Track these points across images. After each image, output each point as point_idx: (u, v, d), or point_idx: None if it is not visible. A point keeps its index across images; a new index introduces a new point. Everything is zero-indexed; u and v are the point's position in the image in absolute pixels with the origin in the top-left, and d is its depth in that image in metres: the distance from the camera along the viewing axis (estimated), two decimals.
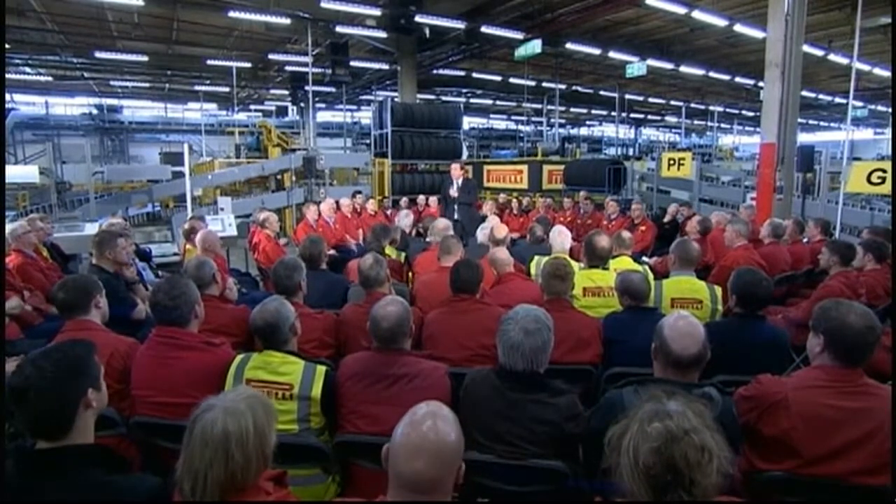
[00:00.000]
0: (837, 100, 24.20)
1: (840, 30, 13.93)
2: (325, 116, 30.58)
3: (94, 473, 1.40)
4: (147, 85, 24.72)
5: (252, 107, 29.94)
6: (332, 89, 21.52)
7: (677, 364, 1.85)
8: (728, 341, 2.28)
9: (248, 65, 19.51)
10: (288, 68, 19.66)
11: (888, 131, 31.60)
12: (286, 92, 23.51)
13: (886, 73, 19.00)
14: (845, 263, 3.80)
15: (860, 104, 22.81)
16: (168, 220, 11.04)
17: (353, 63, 16.66)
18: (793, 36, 7.96)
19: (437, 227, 4.35)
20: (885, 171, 6.78)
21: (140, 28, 15.23)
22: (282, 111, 27.94)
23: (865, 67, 17.13)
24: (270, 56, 17.87)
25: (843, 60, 15.90)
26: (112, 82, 23.74)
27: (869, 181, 6.86)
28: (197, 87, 23.73)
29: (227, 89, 22.27)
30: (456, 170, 7.56)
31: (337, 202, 7.88)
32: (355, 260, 4.19)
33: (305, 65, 14.09)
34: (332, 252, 5.41)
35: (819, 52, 15.28)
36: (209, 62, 18.48)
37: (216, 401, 1.32)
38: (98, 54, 16.84)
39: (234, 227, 6.55)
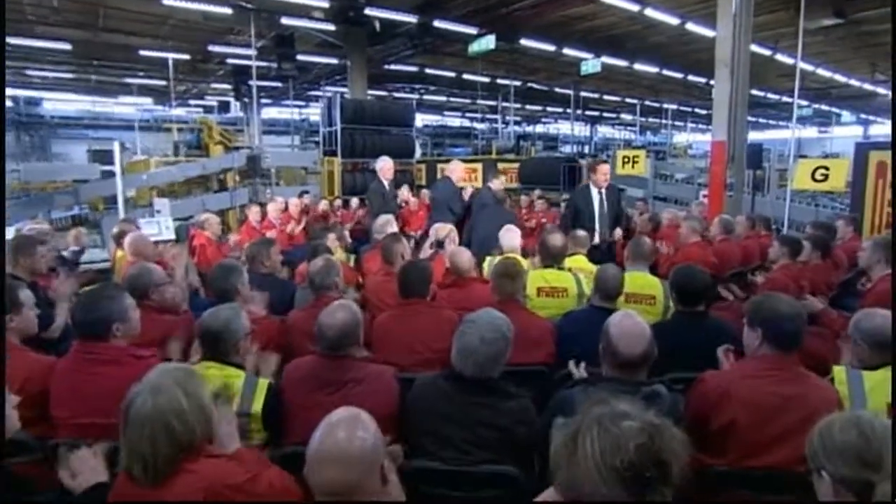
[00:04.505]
0: (785, 99, 25.53)
1: (787, 30, 14.69)
2: (270, 113, 29.96)
3: None
4: (71, 76, 23.46)
5: (191, 102, 28.95)
6: (279, 84, 21.11)
7: (625, 364, 1.91)
8: (674, 340, 2.37)
9: (187, 56, 18.81)
10: (230, 61, 19.11)
11: (831, 129, 33.57)
12: (229, 86, 22.88)
13: (829, 74, 20.21)
14: (793, 256, 4.04)
15: (805, 103, 24.16)
16: (97, 224, 10.54)
17: (300, 57, 16.36)
18: (740, 35, 8.34)
19: (378, 223, 4.37)
20: (827, 168, 7.18)
21: (59, 13, 14.45)
22: (224, 107, 27.16)
23: (809, 68, 18.13)
24: (210, 48, 17.32)
25: (790, 60, 16.80)
26: (29, 72, 22.43)
27: (813, 178, 7.25)
28: (129, 80, 22.74)
29: (163, 82, 21.43)
30: (603, 172, 5.29)
31: (286, 203, 7.77)
32: (305, 263, 4.15)
33: (249, 58, 13.76)
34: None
35: (767, 52, 16.08)
36: (142, 52, 17.72)
37: (141, 385, 1.46)
38: (11, 40, 15.85)
39: (171, 230, 6.32)
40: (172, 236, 6.18)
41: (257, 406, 2.07)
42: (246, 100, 21.95)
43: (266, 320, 2.90)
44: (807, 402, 1.87)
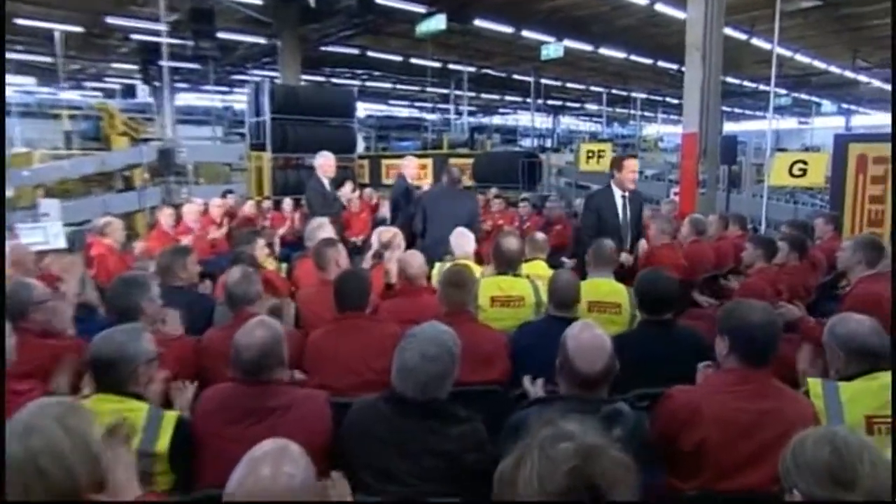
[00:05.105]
0: (762, 87, 26.76)
1: (763, 12, 15.40)
2: (187, 99, 29.23)
3: None
4: None
5: (87, 84, 27.92)
6: (197, 66, 20.63)
7: (584, 382, 1.96)
8: (638, 352, 2.45)
9: (79, 29, 18.09)
10: (135, 37, 18.54)
11: (811, 120, 35.42)
12: (135, 67, 22.18)
13: (808, 60, 21.35)
14: (769, 258, 4.24)
15: (784, 92, 25.42)
16: None
17: (221, 35, 16.07)
18: (713, 17, 8.68)
19: (309, 228, 4.40)
20: (806, 162, 7.56)
21: None
22: (129, 91, 26.28)
23: (787, 53, 19.10)
24: (109, 20, 16.71)
25: (767, 45, 17.65)
26: None
27: (791, 173, 7.61)
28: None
29: (49, 59, 20.55)
30: (632, 169, 4.93)
31: (206, 204, 7.60)
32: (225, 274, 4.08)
33: (158, 34, 13.38)
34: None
35: (742, 36, 16.85)
36: (19, 22, 16.88)
37: (10, 425, 1.37)
38: None
39: (61, 237, 6.08)
40: (63, 244, 5.95)
41: (163, 444, 2.00)
42: (156, 83, 21.32)
43: (178, 342, 2.83)
44: (782, 417, 1.95)
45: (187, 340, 2.95)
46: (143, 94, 25.24)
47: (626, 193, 4.89)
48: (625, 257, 4.65)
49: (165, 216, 6.84)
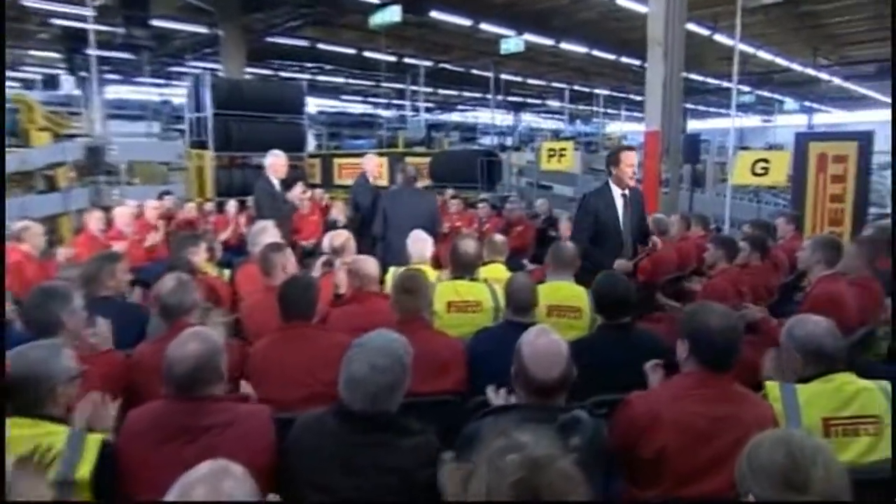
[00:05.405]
0: (725, 84, 27.54)
1: (725, 8, 15.88)
2: (120, 92, 28.38)
3: None
4: None
5: None
6: (130, 56, 20.09)
7: (540, 389, 1.98)
8: (597, 358, 2.51)
9: None
10: (57, 21, 17.91)
11: (775, 118, 36.65)
12: (58, 55, 21.44)
13: (770, 57, 22.10)
14: (731, 259, 4.38)
15: (747, 89, 26.25)
16: None
17: (156, 22, 15.70)
18: (675, 11, 8.90)
19: (252, 231, 4.38)
20: (768, 161, 7.83)
21: None
22: (51, 82, 25.38)
23: (750, 50, 19.73)
24: (26, 2, 16.07)
25: (729, 41, 18.19)
26: None
27: (753, 172, 7.87)
28: None
29: None
30: (630, 162, 4.66)
31: (140, 207, 7.43)
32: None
33: (84, 19, 12.96)
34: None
35: (705, 32, 17.33)
36: None
37: None
38: None
39: None
40: None
41: (85, 470, 1.91)
42: (83, 74, 20.67)
43: (104, 357, 2.75)
44: (740, 422, 2.01)
45: (115, 355, 2.86)
46: (68, 85, 24.45)
47: (626, 191, 4.65)
48: (620, 264, 4.31)
49: (94, 220, 6.64)
